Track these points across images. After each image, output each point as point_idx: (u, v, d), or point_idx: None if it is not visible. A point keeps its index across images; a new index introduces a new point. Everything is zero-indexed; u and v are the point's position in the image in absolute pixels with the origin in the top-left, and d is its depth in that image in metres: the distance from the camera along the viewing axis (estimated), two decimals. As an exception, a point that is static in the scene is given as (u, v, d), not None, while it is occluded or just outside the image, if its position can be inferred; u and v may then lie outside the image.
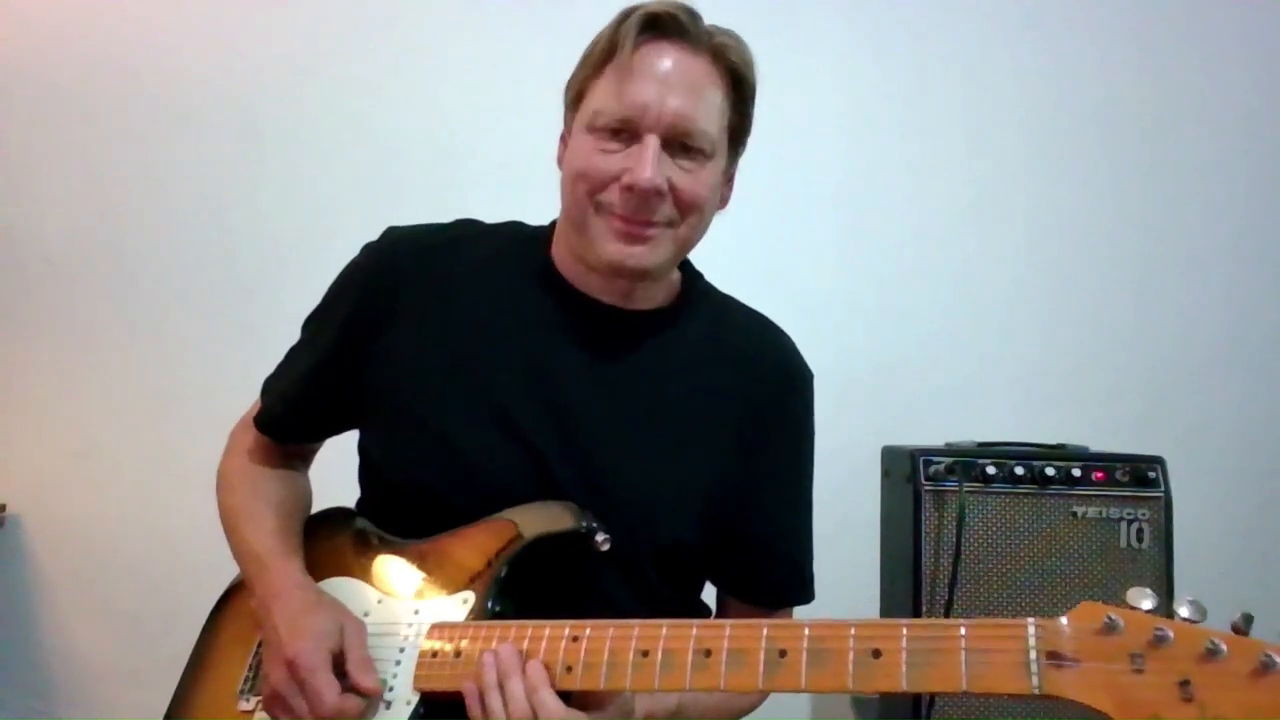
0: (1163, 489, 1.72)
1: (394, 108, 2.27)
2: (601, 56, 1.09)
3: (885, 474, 1.92)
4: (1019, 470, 1.72)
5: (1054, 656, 0.75)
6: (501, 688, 0.92)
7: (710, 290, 1.24)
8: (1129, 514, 1.71)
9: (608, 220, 1.07)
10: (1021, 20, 2.27)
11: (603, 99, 1.07)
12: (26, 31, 2.32)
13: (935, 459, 1.74)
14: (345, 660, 1.01)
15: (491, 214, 1.24)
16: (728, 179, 1.16)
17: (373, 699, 1.00)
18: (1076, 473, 1.72)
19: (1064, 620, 0.76)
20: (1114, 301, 2.25)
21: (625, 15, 1.08)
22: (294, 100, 2.29)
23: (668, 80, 1.06)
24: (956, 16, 2.27)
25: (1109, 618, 0.74)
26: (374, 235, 1.21)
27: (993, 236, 2.26)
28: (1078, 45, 2.27)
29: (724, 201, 1.17)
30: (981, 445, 1.82)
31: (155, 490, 2.23)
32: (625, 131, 1.06)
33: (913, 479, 1.73)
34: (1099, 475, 1.71)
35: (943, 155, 2.27)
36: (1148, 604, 0.74)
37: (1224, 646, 0.70)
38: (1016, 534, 1.71)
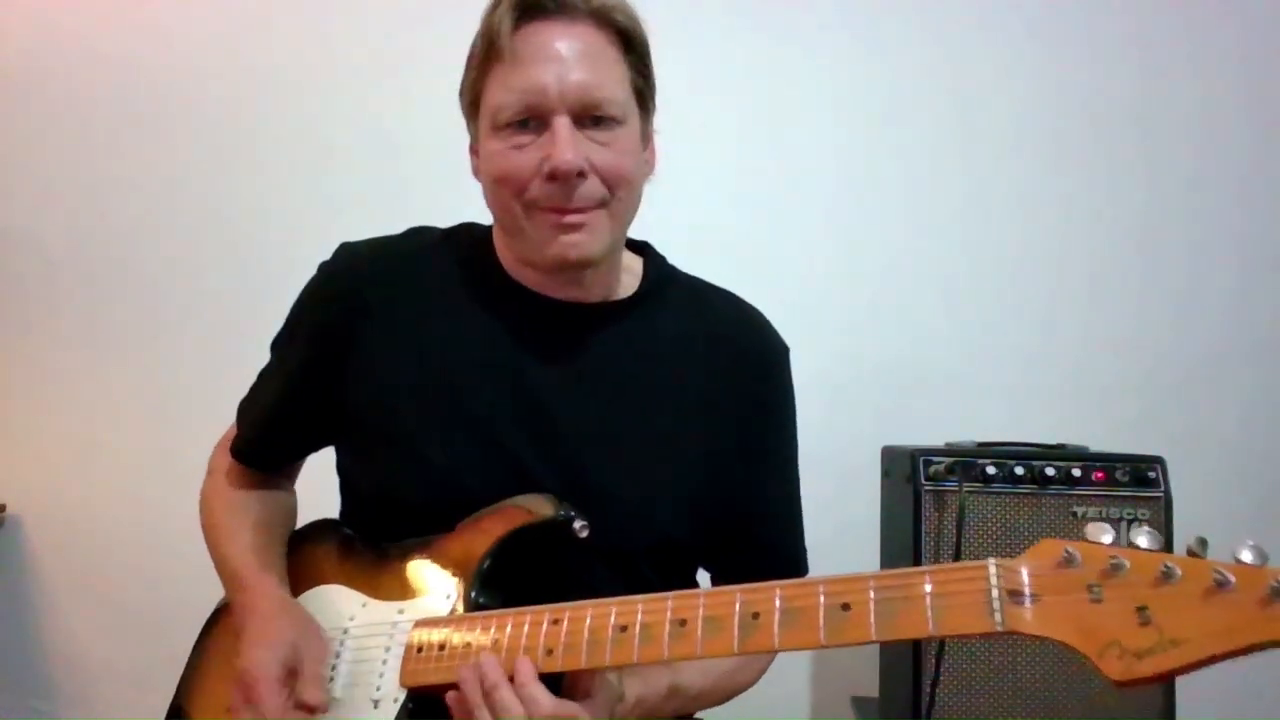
0: (1163, 489, 1.71)
1: (394, 108, 2.26)
2: (484, 55, 1.05)
3: (885, 474, 1.92)
4: (1019, 470, 1.71)
5: (1015, 594, 0.76)
6: (489, 699, 0.91)
7: (676, 274, 1.21)
8: (1129, 514, 1.70)
9: (540, 218, 1.03)
10: (1021, 19, 2.26)
11: (499, 95, 1.03)
12: (27, 32, 2.32)
13: (935, 459, 1.73)
14: (298, 674, 1.00)
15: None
16: (646, 142, 1.11)
17: (359, 700, 1.00)
18: (1076, 473, 1.71)
19: (1024, 558, 0.77)
20: (1113, 301, 2.24)
21: (494, 6, 1.04)
22: (295, 100, 2.29)
23: (560, 57, 1.01)
24: (957, 16, 2.27)
25: (1066, 551, 0.75)
26: (375, 235, 1.20)
27: (992, 236, 2.26)
28: (1077, 44, 2.26)
29: (651, 169, 1.13)
30: (981, 445, 1.82)
31: (155, 490, 2.22)
32: (532, 120, 1.02)
33: (913, 479, 1.73)
34: (1099, 475, 1.71)
35: (943, 155, 2.26)
36: (1107, 539, 0.75)
37: (1178, 570, 0.70)
38: (1016, 534, 1.70)
